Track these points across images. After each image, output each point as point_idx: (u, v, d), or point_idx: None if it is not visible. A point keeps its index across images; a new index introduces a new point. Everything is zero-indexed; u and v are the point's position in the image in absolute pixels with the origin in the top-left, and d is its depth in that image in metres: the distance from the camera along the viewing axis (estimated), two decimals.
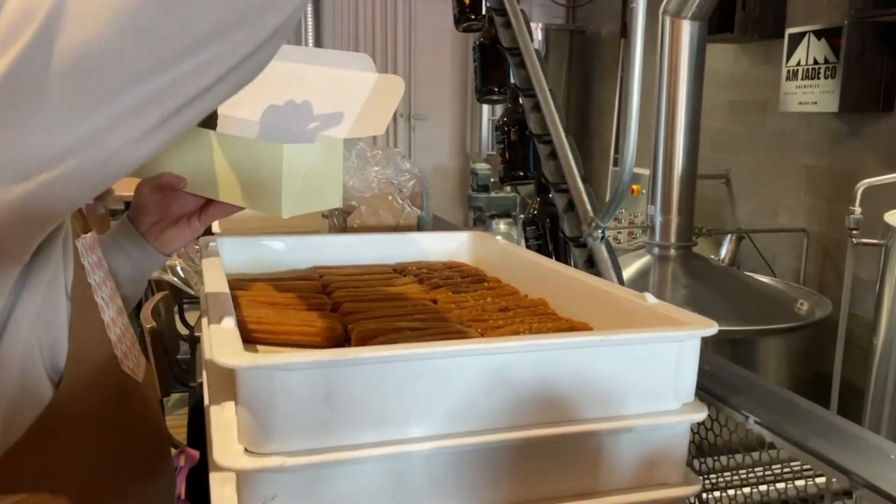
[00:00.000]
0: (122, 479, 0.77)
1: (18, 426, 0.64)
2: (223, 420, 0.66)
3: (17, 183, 0.51)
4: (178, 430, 1.78)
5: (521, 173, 1.87)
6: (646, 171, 3.00)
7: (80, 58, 0.47)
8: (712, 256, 3.53)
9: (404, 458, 0.65)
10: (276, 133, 0.91)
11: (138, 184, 0.95)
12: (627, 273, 2.75)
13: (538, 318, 0.93)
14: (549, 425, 0.68)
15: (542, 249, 1.70)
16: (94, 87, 0.49)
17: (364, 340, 0.82)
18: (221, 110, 0.91)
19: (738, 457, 0.87)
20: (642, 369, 0.71)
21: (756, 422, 0.78)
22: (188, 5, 0.48)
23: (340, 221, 1.55)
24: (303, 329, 0.88)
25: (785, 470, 0.87)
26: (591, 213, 1.56)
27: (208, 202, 0.94)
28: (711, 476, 0.91)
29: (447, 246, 1.30)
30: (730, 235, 3.68)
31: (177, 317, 2.46)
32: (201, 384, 0.92)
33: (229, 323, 0.68)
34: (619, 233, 4.07)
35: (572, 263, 1.57)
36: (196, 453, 1.01)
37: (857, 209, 2.46)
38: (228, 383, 0.68)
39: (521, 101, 1.82)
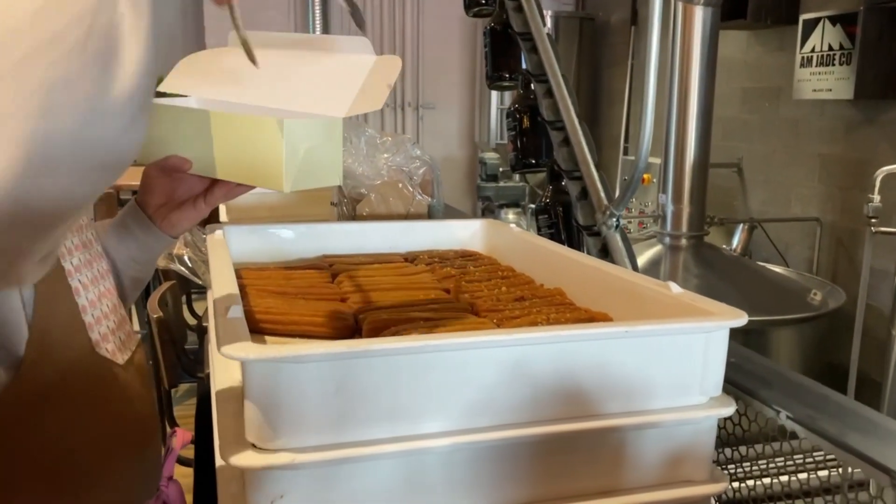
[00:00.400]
0: (101, 459, 0.77)
1: None
2: (230, 414, 0.64)
3: None
4: (188, 421, 1.77)
5: (534, 161, 1.84)
6: (657, 160, 2.96)
7: None
8: (724, 246, 3.49)
9: (420, 454, 0.62)
10: (276, 115, 0.91)
11: (145, 167, 0.96)
12: (638, 263, 2.72)
13: (555, 308, 0.90)
14: (570, 420, 0.66)
15: (554, 238, 1.67)
16: None
17: (375, 331, 0.80)
18: (220, 97, 0.91)
19: (759, 447, 0.85)
20: (668, 362, 0.68)
21: (788, 417, 0.75)
22: None
23: (350, 209, 1.52)
24: (312, 319, 0.86)
25: (807, 460, 0.84)
26: (605, 201, 1.52)
27: (213, 184, 0.95)
28: (730, 466, 0.89)
29: (459, 234, 1.27)
30: (742, 225, 3.63)
31: (185, 307, 2.44)
32: (209, 375, 0.90)
33: (237, 313, 0.65)
34: (630, 222, 4.03)
35: (586, 252, 1.54)
36: (188, 434, 1.03)
37: (877, 197, 2.42)
38: (236, 375, 0.66)
39: (532, 88, 1.79)
